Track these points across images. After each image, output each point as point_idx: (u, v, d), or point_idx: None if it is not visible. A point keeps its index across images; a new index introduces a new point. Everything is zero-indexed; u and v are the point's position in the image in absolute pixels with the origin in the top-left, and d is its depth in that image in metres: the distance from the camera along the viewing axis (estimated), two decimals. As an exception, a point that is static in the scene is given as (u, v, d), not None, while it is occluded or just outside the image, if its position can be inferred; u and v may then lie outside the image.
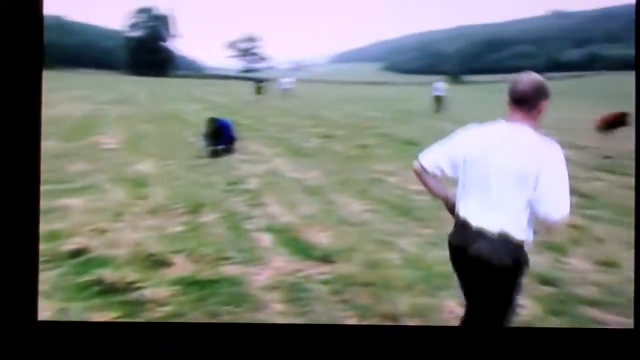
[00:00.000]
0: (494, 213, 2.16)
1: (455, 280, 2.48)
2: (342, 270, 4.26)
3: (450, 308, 3.64)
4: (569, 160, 2.21)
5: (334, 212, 5.90)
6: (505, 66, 37.67)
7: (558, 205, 2.11)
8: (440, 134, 2.54)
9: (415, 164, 2.39)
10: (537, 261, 4.59)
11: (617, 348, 3.17)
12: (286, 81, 24.64)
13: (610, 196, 6.88)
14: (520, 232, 2.17)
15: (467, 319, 2.43)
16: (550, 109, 2.32)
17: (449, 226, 2.44)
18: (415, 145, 10.24)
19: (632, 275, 4.19)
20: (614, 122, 9.34)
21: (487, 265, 2.15)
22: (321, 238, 4.98)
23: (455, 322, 2.95)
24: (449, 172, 2.32)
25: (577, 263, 4.61)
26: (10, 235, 3.11)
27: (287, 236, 5.04)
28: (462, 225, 2.27)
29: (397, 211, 5.94)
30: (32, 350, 3.08)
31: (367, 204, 6.20)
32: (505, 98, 2.28)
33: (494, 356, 3.08)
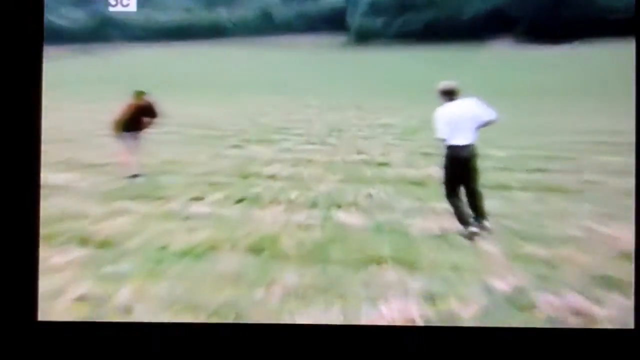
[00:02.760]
0: (464, 137, 4.62)
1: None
2: None
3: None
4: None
5: None
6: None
7: (493, 113, 4.63)
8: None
9: (437, 136, 4.68)
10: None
11: (617, 348, 3.25)
12: None
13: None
14: (473, 142, 4.65)
15: (467, 195, 4.69)
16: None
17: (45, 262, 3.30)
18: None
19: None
20: (132, 118, 9.05)
21: (469, 157, 4.63)
22: None
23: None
24: (444, 131, 4.64)
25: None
26: (11, 236, 3.08)
27: None
28: (452, 145, 4.65)
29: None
30: (32, 350, 3.05)
31: None
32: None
33: (494, 356, 3.17)
